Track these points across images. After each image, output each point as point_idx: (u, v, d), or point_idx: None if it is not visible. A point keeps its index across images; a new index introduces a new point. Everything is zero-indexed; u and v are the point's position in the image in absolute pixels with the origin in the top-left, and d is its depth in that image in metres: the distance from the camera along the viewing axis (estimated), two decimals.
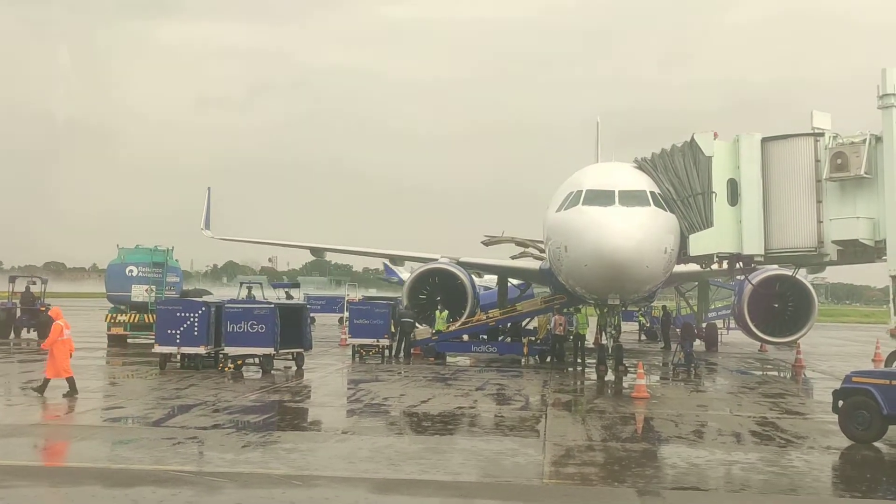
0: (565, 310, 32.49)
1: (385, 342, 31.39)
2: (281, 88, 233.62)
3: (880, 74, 21.59)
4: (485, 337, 34.05)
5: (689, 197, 24.11)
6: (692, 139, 24.35)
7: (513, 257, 39.43)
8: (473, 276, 39.35)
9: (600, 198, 23.43)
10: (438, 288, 35.96)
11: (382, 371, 27.54)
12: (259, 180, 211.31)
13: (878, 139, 21.88)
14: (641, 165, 25.41)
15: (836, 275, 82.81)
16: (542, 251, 32.24)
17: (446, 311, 33.07)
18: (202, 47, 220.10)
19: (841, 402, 15.91)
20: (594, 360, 28.02)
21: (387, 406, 19.56)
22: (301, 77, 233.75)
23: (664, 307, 45.49)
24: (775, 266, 30.19)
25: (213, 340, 26.26)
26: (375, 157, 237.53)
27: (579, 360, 30.12)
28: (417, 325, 33.77)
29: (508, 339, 34.86)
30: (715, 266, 26.17)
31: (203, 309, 26.21)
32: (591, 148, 42.53)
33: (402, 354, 32.12)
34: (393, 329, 32.09)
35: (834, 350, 40.81)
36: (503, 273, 40.62)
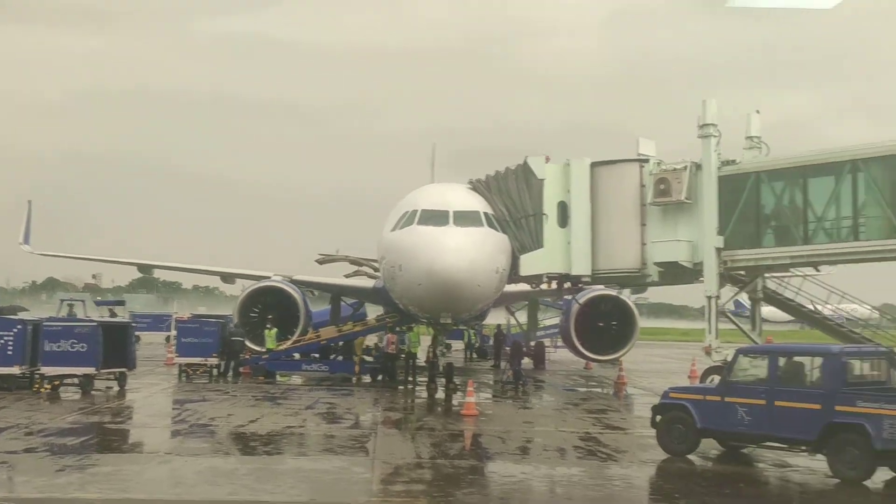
0: (398, 328, 32.55)
1: (214, 361, 30.56)
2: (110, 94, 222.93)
3: (700, 106, 22.73)
4: (316, 355, 33.69)
5: (522, 218, 24.64)
6: (525, 162, 24.91)
7: (347, 276, 39.22)
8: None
9: (435, 218, 23.66)
10: (271, 306, 35.36)
11: (210, 390, 26.80)
12: (85, 191, 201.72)
13: (698, 166, 22.91)
14: (476, 187, 25.83)
15: (657, 295, 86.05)
16: (377, 270, 32.24)
17: (275, 329, 32.58)
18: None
19: (659, 418, 16.58)
20: (426, 379, 28.18)
21: (213, 426, 19.04)
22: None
23: (499, 326, 46.16)
24: (601, 286, 31.18)
25: (30, 360, 24.95)
26: (212, 165, 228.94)
27: (410, 378, 30.23)
28: (248, 343, 33.09)
29: (340, 358, 34.61)
30: (544, 286, 26.79)
31: (19, 327, 24.92)
32: (427, 169, 42.94)
33: (230, 373, 31.38)
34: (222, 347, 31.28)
35: (654, 367, 42.40)
36: (337, 291, 40.39)
